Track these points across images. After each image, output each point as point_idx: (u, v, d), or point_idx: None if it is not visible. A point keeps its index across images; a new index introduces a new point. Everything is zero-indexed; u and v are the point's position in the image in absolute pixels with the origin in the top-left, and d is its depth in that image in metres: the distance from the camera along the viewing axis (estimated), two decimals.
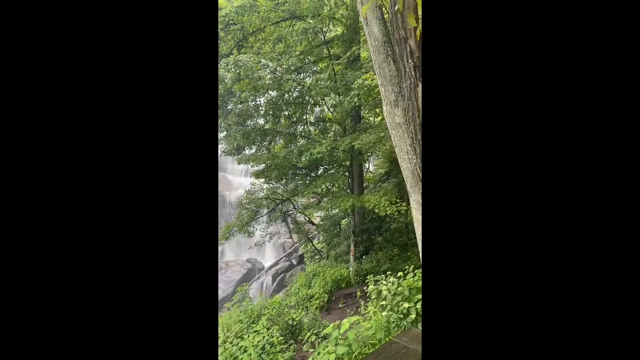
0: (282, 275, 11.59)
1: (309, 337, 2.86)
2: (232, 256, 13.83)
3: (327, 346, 2.62)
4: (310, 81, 6.31)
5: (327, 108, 7.54)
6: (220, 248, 13.87)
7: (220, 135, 8.11)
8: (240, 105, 6.73)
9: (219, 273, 12.69)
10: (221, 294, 11.97)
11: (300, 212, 9.22)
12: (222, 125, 7.97)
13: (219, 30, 7.26)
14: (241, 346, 2.61)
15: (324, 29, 6.28)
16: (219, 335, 2.82)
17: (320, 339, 2.88)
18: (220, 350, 2.54)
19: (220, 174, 15.88)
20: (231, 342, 2.68)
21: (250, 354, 2.47)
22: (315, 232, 10.32)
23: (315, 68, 6.87)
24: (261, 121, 7.52)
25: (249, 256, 13.28)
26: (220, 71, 5.58)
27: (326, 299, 5.27)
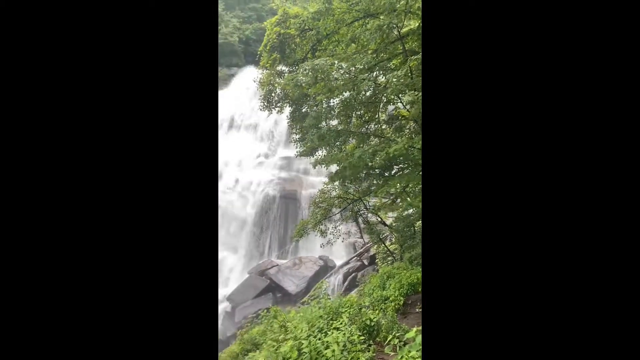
0: (354, 274, 11.61)
1: (390, 340, 2.82)
2: (305, 253, 14.33)
3: (410, 351, 2.55)
4: (385, 79, 6.20)
5: (403, 105, 7.32)
6: (293, 245, 14.49)
7: (296, 137, 8.47)
8: (315, 108, 6.93)
9: (292, 268, 13.28)
10: (295, 288, 12.50)
11: (372, 212, 9.13)
12: (297, 127, 8.31)
13: (295, 36, 7.57)
14: (324, 342, 2.69)
15: (399, 24, 6.10)
16: (303, 329, 2.96)
17: (402, 343, 2.82)
18: (305, 343, 2.66)
19: (293, 174, 16.57)
20: (315, 337, 2.79)
21: (334, 350, 2.54)
22: (388, 233, 10.10)
23: (389, 65, 6.72)
24: (334, 122, 7.64)
25: (321, 254, 13.60)
26: (298, 77, 5.81)
27: (402, 302, 5.12)
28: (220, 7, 24.26)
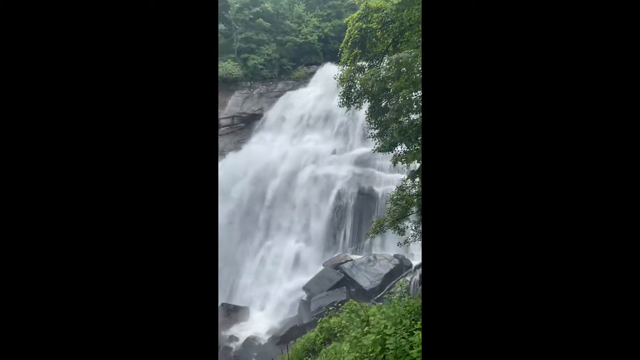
0: None
1: None
2: (379, 250, 14.16)
3: None
4: None
5: None
6: (368, 241, 14.43)
7: (374, 132, 8.36)
8: (396, 102, 6.74)
9: (367, 264, 13.25)
10: (369, 284, 12.46)
11: None
12: (375, 123, 8.18)
13: (376, 30, 7.45)
14: (409, 341, 2.64)
15: None
16: (387, 325, 2.95)
17: None
18: (390, 340, 2.64)
19: (369, 170, 16.45)
20: (400, 335, 2.75)
21: (420, 351, 2.47)
22: None
23: None
24: (416, 116, 7.33)
25: (396, 252, 13.28)
26: (381, 71, 5.72)
27: None
28: (301, 8, 25.12)
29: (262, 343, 12.71)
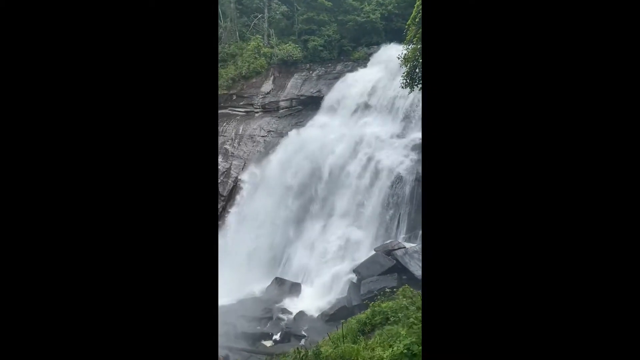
0: None
1: None
2: None
3: None
4: None
5: None
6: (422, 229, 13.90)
7: None
8: None
9: (419, 253, 12.88)
10: (421, 273, 12.12)
11: None
12: None
13: None
14: None
15: None
16: None
17: None
18: None
19: None
20: None
21: None
22: None
23: None
24: None
25: None
26: None
27: None
28: None
29: (312, 319, 13.22)
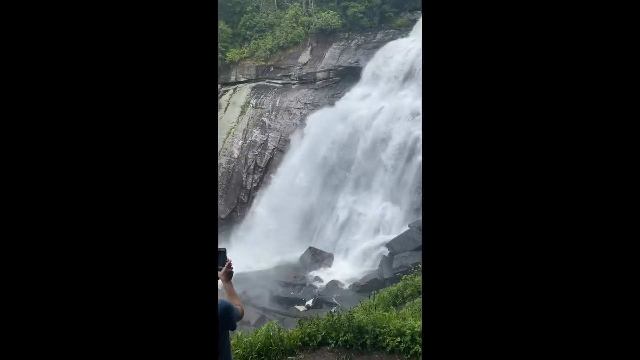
0: None
1: None
2: None
3: None
4: None
5: None
6: None
7: None
8: None
9: None
10: None
11: None
12: None
13: None
14: None
15: None
16: None
17: None
18: None
19: None
20: None
21: None
22: None
23: None
24: None
25: None
26: None
27: None
28: None
29: (343, 288, 13.64)
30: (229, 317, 2.23)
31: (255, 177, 19.89)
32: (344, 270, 14.78)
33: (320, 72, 20.91)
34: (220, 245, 2.50)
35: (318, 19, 21.73)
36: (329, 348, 4.42)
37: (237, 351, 4.08)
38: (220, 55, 22.58)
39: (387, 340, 4.35)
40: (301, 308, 12.72)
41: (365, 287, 12.52)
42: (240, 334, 4.51)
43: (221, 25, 22.94)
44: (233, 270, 2.48)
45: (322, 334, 4.52)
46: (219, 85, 23.15)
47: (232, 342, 4.17)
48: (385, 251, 13.84)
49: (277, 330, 4.51)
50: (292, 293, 13.48)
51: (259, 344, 4.22)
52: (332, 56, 21.08)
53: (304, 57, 21.63)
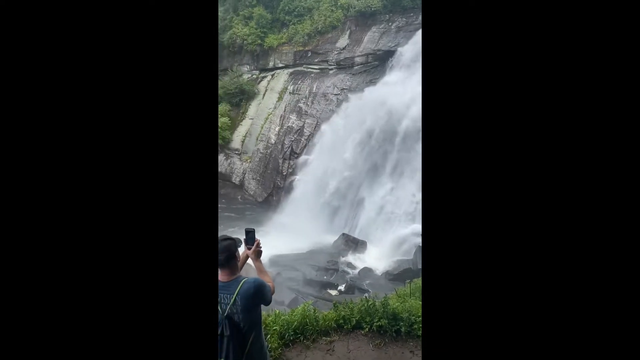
0: None
1: None
2: None
3: None
4: None
5: None
6: None
7: None
8: None
9: None
10: None
11: None
12: None
13: None
14: None
15: None
16: None
17: None
18: None
19: None
20: None
21: None
22: None
23: None
24: None
25: None
26: None
27: None
28: None
29: (376, 276, 13.65)
30: (263, 293, 2.35)
31: (291, 162, 20.18)
32: (377, 258, 14.75)
33: (358, 56, 20.46)
34: (256, 229, 2.62)
35: (358, 0, 21.11)
36: (363, 332, 4.49)
37: (274, 327, 4.28)
38: (259, 41, 22.79)
39: None
40: (333, 292, 12.93)
41: (398, 276, 12.44)
42: (277, 311, 4.71)
43: (260, 10, 23.06)
44: (262, 249, 2.58)
45: (357, 318, 4.59)
46: (257, 71, 23.47)
47: (270, 319, 4.37)
48: (420, 241, 13.58)
49: (312, 311, 4.65)
50: (324, 277, 13.73)
51: (295, 323, 4.38)
52: (371, 40, 20.49)
53: (342, 41, 21.23)
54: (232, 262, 2.33)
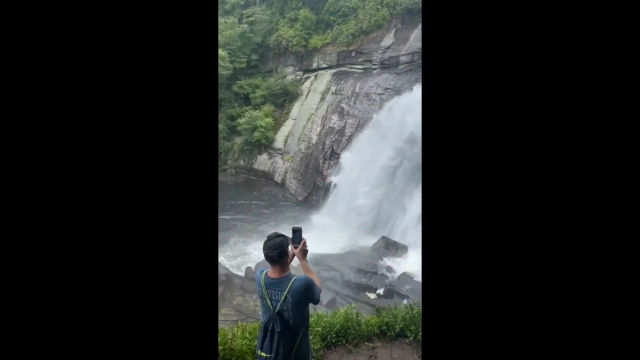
0: None
1: None
2: None
3: None
4: None
5: None
6: None
7: None
8: None
9: None
10: None
11: None
12: None
13: None
14: None
15: None
16: None
17: None
18: None
19: None
20: None
21: None
22: None
23: None
24: None
25: None
26: None
27: None
28: None
29: (415, 282, 13.22)
30: (313, 292, 2.34)
31: (332, 162, 20.22)
32: (417, 263, 14.28)
33: (403, 55, 19.95)
34: (296, 226, 2.61)
35: None
36: (407, 341, 4.35)
37: (317, 328, 4.28)
38: (303, 43, 23.10)
39: None
40: (372, 295, 12.74)
41: None
42: (320, 312, 4.72)
43: (305, 12, 23.36)
44: (308, 248, 2.56)
45: (401, 326, 4.45)
46: (301, 72, 23.81)
47: (312, 319, 4.39)
48: None
49: (355, 314, 4.60)
50: (363, 280, 13.57)
51: (337, 326, 4.35)
52: (418, 38, 19.85)
53: (387, 40, 20.83)
54: (283, 259, 2.34)
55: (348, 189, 18.24)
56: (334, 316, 4.56)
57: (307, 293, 2.30)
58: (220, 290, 12.33)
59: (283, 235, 2.39)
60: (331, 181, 19.58)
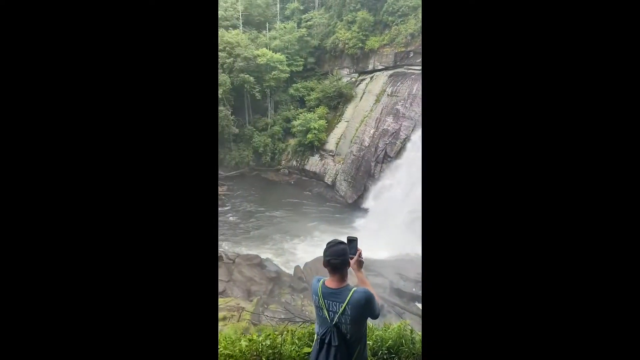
0: None
1: None
2: None
3: None
4: None
5: None
6: None
7: None
8: None
9: None
10: None
11: None
12: None
13: None
14: None
15: None
16: None
17: None
18: None
19: None
20: None
21: None
22: None
23: None
24: None
25: None
26: None
27: None
28: None
29: None
30: (373, 306, 2.20)
31: (384, 165, 19.80)
32: None
33: None
34: (351, 235, 2.50)
35: None
36: None
37: (368, 342, 4.18)
38: (359, 44, 22.92)
39: None
40: (421, 306, 12.22)
41: None
42: (371, 325, 4.61)
43: (364, 14, 23.15)
44: (363, 259, 2.44)
45: None
46: (356, 74, 23.66)
47: None
48: None
49: (409, 331, 4.40)
50: (413, 289, 13.08)
51: (389, 341, 4.20)
52: None
53: None
54: (344, 268, 2.20)
55: (399, 194, 17.69)
56: (386, 330, 4.42)
57: (367, 307, 2.16)
58: (270, 286, 12.73)
59: (344, 243, 2.26)
60: (383, 184, 19.16)
